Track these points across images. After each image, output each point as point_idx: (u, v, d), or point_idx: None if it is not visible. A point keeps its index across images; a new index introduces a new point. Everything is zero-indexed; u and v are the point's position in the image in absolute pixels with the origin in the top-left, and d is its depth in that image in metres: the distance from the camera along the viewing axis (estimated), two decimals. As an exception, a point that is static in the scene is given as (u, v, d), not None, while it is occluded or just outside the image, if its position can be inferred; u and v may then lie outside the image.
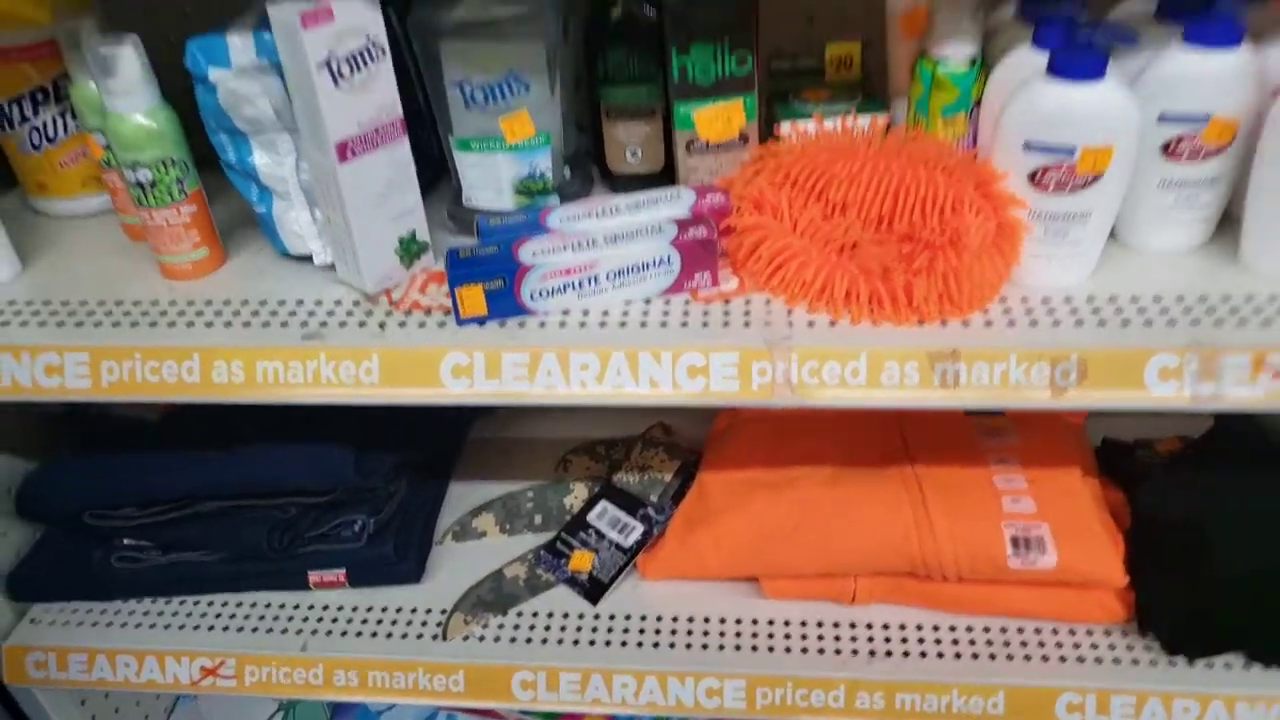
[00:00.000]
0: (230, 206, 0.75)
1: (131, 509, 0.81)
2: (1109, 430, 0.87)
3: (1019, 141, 0.58)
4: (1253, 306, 0.58)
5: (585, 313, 0.65)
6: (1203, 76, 0.58)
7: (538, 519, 0.88)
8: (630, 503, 0.86)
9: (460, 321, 0.64)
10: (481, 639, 0.79)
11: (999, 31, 0.66)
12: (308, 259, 0.71)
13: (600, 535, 0.84)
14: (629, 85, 0.73)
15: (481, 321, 0.64)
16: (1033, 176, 0.58)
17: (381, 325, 0.65)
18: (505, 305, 0.64)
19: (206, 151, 0.69)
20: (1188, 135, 0.59)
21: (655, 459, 0.90)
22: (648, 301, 0.65)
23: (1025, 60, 0.60)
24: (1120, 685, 0.72)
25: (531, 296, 0.64)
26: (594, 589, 0.81)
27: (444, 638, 0.80)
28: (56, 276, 0.73)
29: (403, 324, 0.65)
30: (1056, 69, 0.55)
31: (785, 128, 0.70)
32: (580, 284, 0.64)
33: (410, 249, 0.69)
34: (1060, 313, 0.60)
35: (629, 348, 0.61)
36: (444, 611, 0.82)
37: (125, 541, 0.83)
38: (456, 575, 0.84)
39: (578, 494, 0.89)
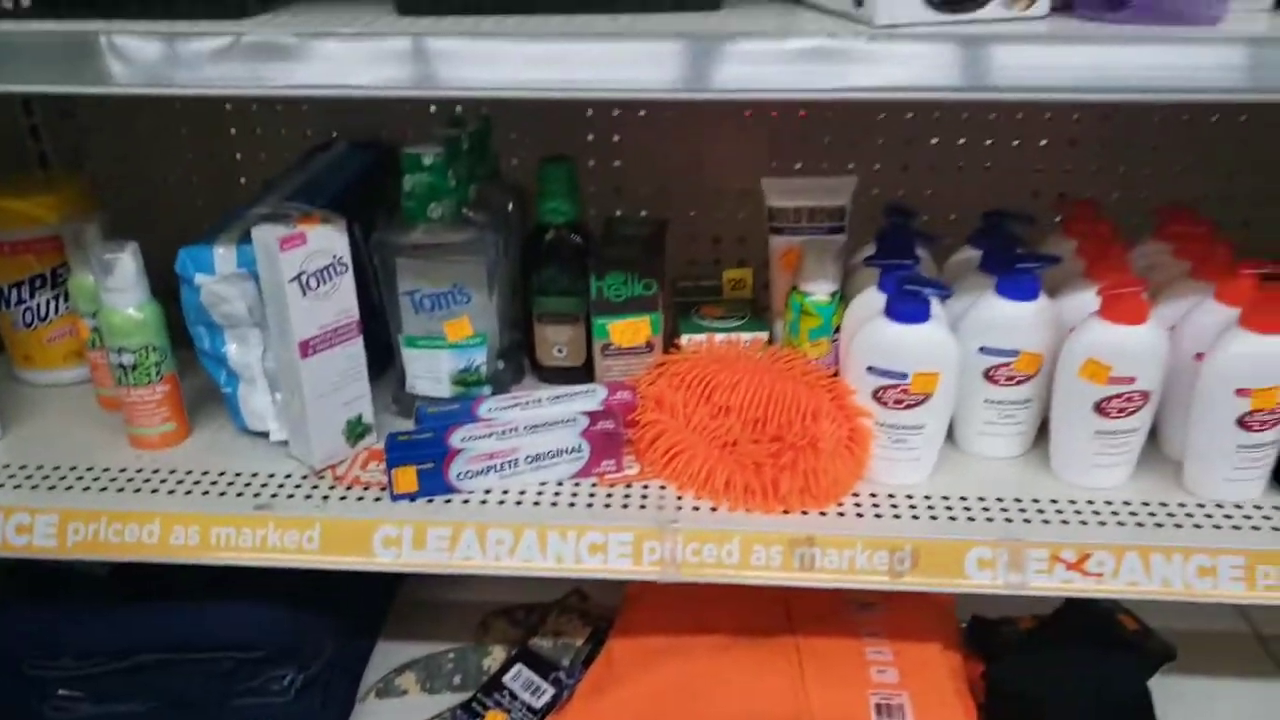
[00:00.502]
0: (196, 383, 0.84)
1: (70, 659, 0.85)
2: (981, 606, 0.96)
3: (864, 365, 0.71)
4: (1055, 509, 0.70)
5: (505, 492, 0.74)
6: (1011, 320, 0.72)
7: (457, 679, 0.94)
8: (544, 666, 0.93)
9: (394, 498, 0.73)
10: (395, 795, 0.84)
11: (856, 272, 0.81)
12: (264, 435, 0.80)
13: (514, 696, 0.90)
14: (557, 296, 0.85)
15: (413, 498, 0.73)
16: (875, 394, 0.71)
17: (325, 498, 0.74)
18: (435, 484, 0.73)
19: (181, 334, 0.78)
20: (1003, 365, 0.73)
21: (569, 625, 0.97)
22: (560, 483, 0.76)
23: (872, 300, 0.73)
24: None
25: (458, 477, 0.74)
26: (505, 748, 0.87)
27: (359, 793, 0.84)
28: (33, 442, 0.81)
29: (343, 497, 0.74)
30: (891, 313, 0.69)
31: (685, 339, 0.83)
32: (502, 466, 0.74)
33: (356, 430, 0.79)
34: (901, 507, 0.71)
35: (539, 525, 0.70)
36: (362, 767, 0.86)
37: (61, 691, 0.86)
38: (377, 732, 0.89)
39: (496, 656, 0.96)
